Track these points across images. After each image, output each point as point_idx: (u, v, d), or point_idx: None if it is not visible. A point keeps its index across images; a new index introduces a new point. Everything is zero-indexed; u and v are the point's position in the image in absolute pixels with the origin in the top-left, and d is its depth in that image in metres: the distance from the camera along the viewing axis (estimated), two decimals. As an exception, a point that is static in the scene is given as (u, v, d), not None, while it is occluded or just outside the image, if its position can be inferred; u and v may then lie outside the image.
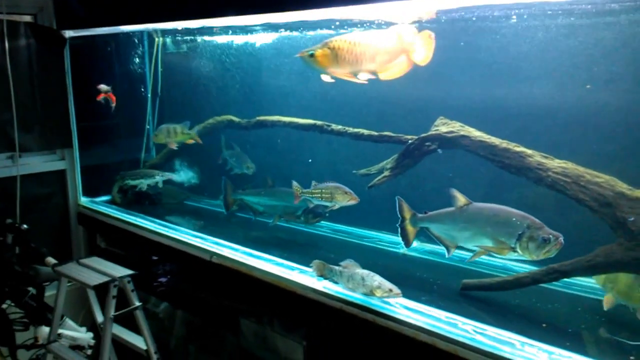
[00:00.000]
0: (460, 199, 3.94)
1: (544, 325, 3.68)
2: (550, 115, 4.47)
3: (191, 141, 6.35)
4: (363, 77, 3.93)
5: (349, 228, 5.89)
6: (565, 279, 3.92)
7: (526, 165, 4.00)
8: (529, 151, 4.06)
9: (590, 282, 4.20)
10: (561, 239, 3.46)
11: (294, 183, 4.82)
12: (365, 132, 5.13)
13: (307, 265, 4.40)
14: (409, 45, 3.85)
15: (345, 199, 4.49)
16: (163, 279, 5.74)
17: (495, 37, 4.70)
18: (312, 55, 3.86)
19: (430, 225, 4.13)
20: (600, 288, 3.95)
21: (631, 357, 3.20)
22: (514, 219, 3.62)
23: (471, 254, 4.07)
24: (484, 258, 4.84)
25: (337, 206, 4.54)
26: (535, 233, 3.50)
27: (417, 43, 3.84)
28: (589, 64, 4.30)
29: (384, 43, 3.85)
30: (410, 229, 4.24)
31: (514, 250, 3.61)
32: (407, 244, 4.26)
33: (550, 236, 3.47)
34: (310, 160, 4.82)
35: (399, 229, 4.24)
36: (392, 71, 3.91)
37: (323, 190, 4.60)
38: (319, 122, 5.53)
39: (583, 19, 4.23)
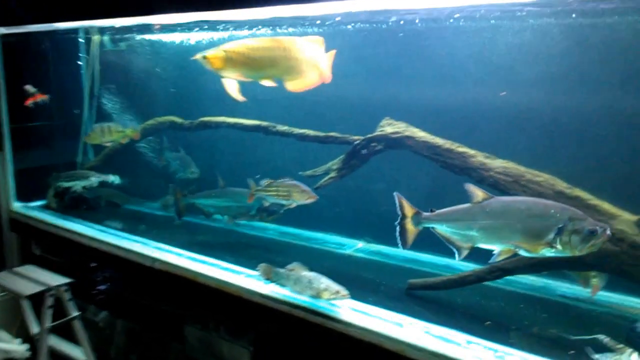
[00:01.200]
0: (479, 193, 3.46)
1: (487, 322, 3.75)
2: (492, 116, 4.58)
3: (125, 140, 6.12)
4: (267, 83, 3.80)
5: (296, 230, 5.85)
6: (508, 277, 3.99)
7: (469, 165, 4.07)
8: (472, 151, 4.13)
9: (531, 279, 4.32)
10: (608, 230, 3.09)
11: (250, 181, 4.71)
12: (311, 132, 5.11)
13: (254, 269, 4.31)
14: (315, 57, 3.75)
15: (303, 197, 4.40)
16: (102, 287, 5.51)
17: (434, 40, 4.80)
18: (205, 58, 3.72)
19: (438, 224, 3.64)
20: (540, 286, 4.07)
21: (571, 351, 3.28)
22: (553, 211, 3.22)
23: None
24: (427, 257, 4.93)
25: (294, 204, 4.45)
26: (580, 225, 3.11)
27: (322, 58, 3.76)
28: (529, 65, 4.44)
29: (288, 51, 3.73)
30: (412, 229, 3.72)
31: (552, 246, 3.20)
32: (405, 244, 3.74)
33: (598, 227, 3.08)
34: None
35: (398, 228, 3.75)
36: (300, 81, 3.78)
37: (279, 188, 4.50)
38: (264, 123, 5.46)
39: (524, 21, 4.36)
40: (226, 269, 4.62)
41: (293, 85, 3.77)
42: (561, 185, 3.79)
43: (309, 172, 4.90)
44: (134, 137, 6.15)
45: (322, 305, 3.83)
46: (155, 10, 4.54)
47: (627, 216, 3.54)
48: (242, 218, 5.65)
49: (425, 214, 3.67)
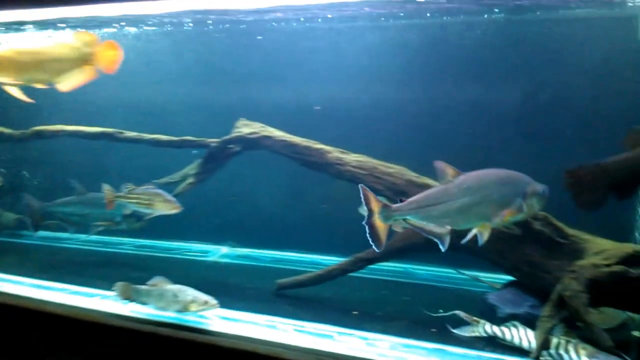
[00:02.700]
0: (449, 171, 3.13)
1: (355, 312, 3.86)
2: (347, 113, 4.75)
3: None
4: (39, 85, 3.69)
5: (154, 242, 5.53)
6: (371, 266, 4.15)
7: (327, 161, 4.17)
8: (328, 148, 4.25)
9: (392, 266, 4.53)
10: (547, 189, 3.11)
11: (105, 186, 4.31)
12: (164, 137, 4.86)
13: (109, 289, 3.98)
14: (87, 55, 3.66)
15: (166, 207, 4.14)
16: None
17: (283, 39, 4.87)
18: None
19: (412, 214, 3.16)
20: (400, 271, 4.28)
21: (433, 330, 3.50)
22: (516, 177, 3.13)
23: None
24: (294, 255, 4.97)
25: (156, 214, 4.17)
26: (535, 187, 3.10)
27: (99, 52, 3.67)
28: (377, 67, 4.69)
29: (56, 52, 3.64)
30: (381, 225, 3.13)
31: (519, 210, 3.09)
32: (379, 244, 3.13)
33: (544, 187, 3.11)
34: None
35: (367, 228, 3.14)
36: (71, 81, 3.67)
37: (141, 196, 4.18)
38: (109, 130, 5.07)
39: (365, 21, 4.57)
40: (77, 292, 4.21)
41: (63, 86, 3.65)
42: (410, 174, 4.04)
43: (164, 180, 4.67)
44: None
45: (189, 319, 3.65)
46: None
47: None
48: (105, 226, 5.16)
49: (395, 205, 3.16)
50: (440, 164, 3.14)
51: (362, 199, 3.15)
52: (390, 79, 4.64)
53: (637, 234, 4.15)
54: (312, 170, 4.22)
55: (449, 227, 3.10)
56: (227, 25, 4.87)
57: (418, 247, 3.87)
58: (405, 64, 4.57)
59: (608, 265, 3.08)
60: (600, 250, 3.27)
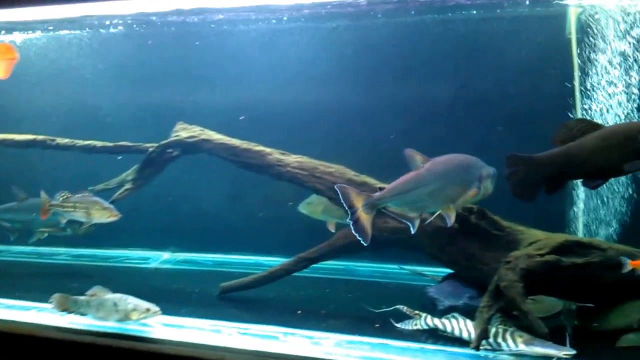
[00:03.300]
0: (417, 157, 3.22)
1: (299, 312, 3.88)
2: (284, 115, 4.77)
3: None
4: None
5: (91, 251, 5.36)
6: (314, 265, 4.19)
7: (267, 163, 4.18)
8: (268, 149, 4.25)
9: (334, 264, 4.58)
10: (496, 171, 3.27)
11: (42, 194, 4.14)
12: (99, 144, 4.72)
13: (46, 301, 3.83)
14: None
15: (104, 215, 4.01)
16: None
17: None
18: None
19: (392, 201, 3.23)
20: (342, 269, 4.34)
21: (377, 325, 3.57)
22: (472, 161, 3.27)
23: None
24: (237, 258, 4.94)
25: (93, 222, 4.04)
26: (488, 170, 3.26)
27: None
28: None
29: None
30: (366, 217, 3.17)
31: (478, 192, 3.22)
32: (366, 237, 3.15)
33: (494, 169, 3.27)
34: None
35: (352, 224, 3.16)
36: None
37: (77, 204, 4.03)
38: (39, 137, 4.88)
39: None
40: (12, 307, 4.03)
41: None
42: (350, 173, 4.10)
43: (100, 186, 4.54)
44: None
45: (131, 327, 3.56)
46: None
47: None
48: (50, 231, 4.94)
49: (376, 194, 3.22)
50: (409, 152, 3.23)
51: (341, 198, 3.18)
52: (322, 80, 4.70)
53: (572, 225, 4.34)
54: (253, 172, 4.22)
55: (420, 212, 3.24)
56: (166, 28, 4.79)
57: (360, 245, 3.93)
58: (336, 65, 4.66)
59: (541, 255, 3.21)
60: (534, 241, 3.41)
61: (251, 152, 4.22)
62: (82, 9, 3.71)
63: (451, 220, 3.19)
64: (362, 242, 3.13)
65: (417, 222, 3.24)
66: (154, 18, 4.46)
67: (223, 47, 4.86)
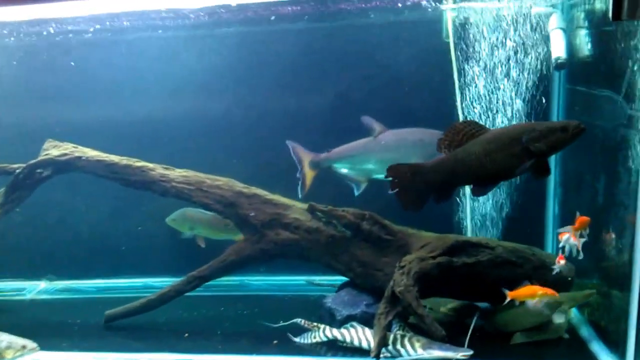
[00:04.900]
0: (375, 126, 3.73)
1: (186, 335, 3.69)
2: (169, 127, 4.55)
3: None
4: None
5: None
6: (207, 283, 4.00)
7: (150, 179, 3.96)
8: (151, 165, 4.04)
9: (226, 280, 4.39)
10: None
11: None
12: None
13: None
14: None
15: None
16: None
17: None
18: None
19: (337, 163, 3.81)
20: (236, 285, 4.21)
21: (275, 341, 3.47)
22: (435, 136, 3.19)
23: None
24: (123, 282, 4.63)
25: None
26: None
27: None
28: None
29: None
30: (310, 173, 3.85)
31: None
32: (303, 190, 3.92)
33: None
34: None
35: (299, 178, 3.88)
36: None
37: None
38: None
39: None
40: None
41: None
42: (239, 186, 3.99)
43: (-42, 214, 4.06)
44: None
45: (3, 369, 3.22)
46: None
47: (299, 205, 3.90)
48: None
49: (322, 155, 3.82)
50: (366, 119, 3.73)
51: (292, 153, 3.84)
52: (202, 89, 4.59)
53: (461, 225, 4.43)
54: (136, 189, 3.98)
55: (367, 177, 3.74)
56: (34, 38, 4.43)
57: (252, 260, 3.84)
58: (220, 75, 4.55)
59: (434, 257, 3.27)
60: (426, 243, 3.47)
61: (132, 169, 3.97)
62: None
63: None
64: (299, 193, 3.86)
65: (362, 186, 3.79)
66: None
67: (97, 59, 4.56)
